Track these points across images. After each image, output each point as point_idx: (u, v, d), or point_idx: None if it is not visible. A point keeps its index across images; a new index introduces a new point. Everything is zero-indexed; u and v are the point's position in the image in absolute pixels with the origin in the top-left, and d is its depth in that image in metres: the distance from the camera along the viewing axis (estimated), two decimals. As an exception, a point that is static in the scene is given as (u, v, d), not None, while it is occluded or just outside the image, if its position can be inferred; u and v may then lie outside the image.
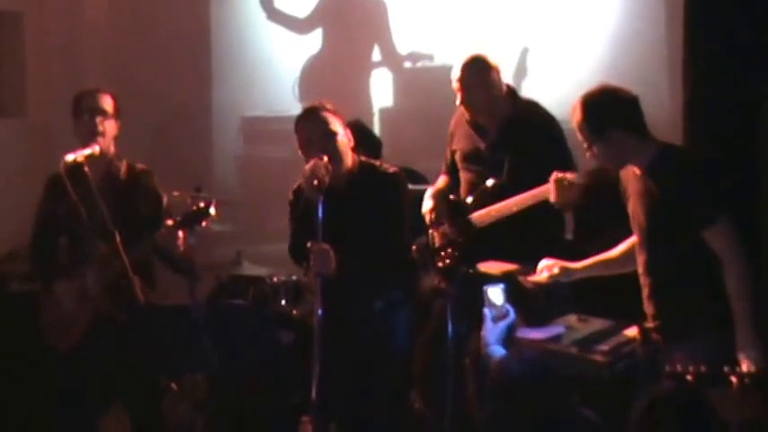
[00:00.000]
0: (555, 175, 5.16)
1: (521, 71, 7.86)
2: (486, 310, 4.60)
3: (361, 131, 6.04)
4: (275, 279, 6.29)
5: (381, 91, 8.55)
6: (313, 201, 5.00)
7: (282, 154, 7.69)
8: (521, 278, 4.97)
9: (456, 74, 5.63)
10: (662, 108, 6.78)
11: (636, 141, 4.59)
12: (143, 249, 5.38)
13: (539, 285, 5.00)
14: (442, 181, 5.87)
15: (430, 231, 5.70)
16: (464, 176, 5.75)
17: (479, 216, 5.53)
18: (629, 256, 4.82)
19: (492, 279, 4.79)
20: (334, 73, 8.35)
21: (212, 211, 5.27)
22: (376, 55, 8.54)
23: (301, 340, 5.74)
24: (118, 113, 5.61)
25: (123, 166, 5.63)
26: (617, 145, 4.59)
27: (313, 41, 8.58)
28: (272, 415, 5.94)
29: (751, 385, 3.91)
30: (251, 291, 6.29)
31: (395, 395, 5.37)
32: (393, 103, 8.54)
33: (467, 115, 5.68)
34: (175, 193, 5.70)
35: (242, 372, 5.72)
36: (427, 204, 5.74)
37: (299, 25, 8.61)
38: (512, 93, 5.74)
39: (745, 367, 4.19)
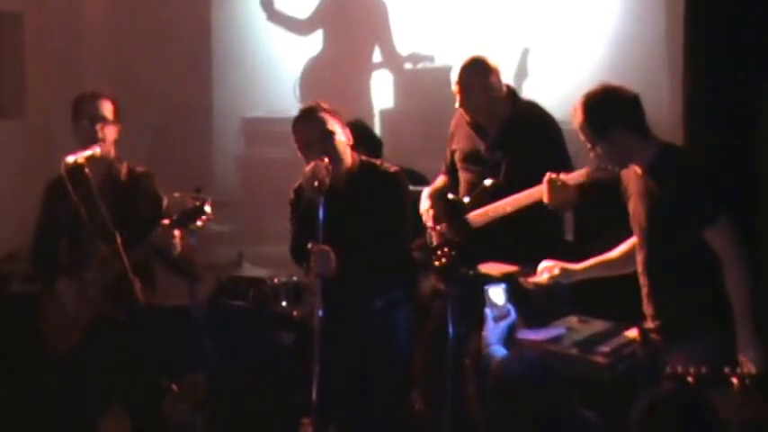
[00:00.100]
0: (548, 175, 5.15)
1: (521, 72, 7.86)
2: (488, 310, 4.60)
3: (361, 131, 6.04)
4: (276, 280, 6.29)
5: (382, 92, 8.54)
6: (314, 202, 5.00)
7: (283, 155, 7.68)
8: (521, 279, 4.96)
9: (455, 76, 5.63)
10: (662, 108, 6.78)
11: (637, 140, 4.59)
12: (142, 250, 5.38)
13: (539, 287, 4.99)
14: (440, 181, 5.86)
15: (428, 231, 5.69)
16: (463, 177, 5.75)
17: (476, 216, 5.53)
18: (629, 256, 4.82)
19: (492, 280, 4.79)
20: (335, 74, 8.35)
21: (208, 209, 5.27)
22: (376, 56, 8.54)
23: (302, 341, 5.75)
24: (118, 118, 5.61)
25: (123, 169, 5.63)
26: (619, 144, 4.59)
27: (313, 42, 8.58)
28: (272, 416, 5.94)
29: (751, 386, 3.91)
30: (251, 292, 6.29)
31: (395, 395, 5.37)
32: (393, 105, 8.54)
33: (466, 116, 5.68)
34: (176, 194, 5.69)
35: (242, 372, 5.72)
36: (425, 204, 5.73)
37: (299, 26, 8.60)
38: (512, 94, 5.73)
39: (745, 367, 4.19)
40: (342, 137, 5.26)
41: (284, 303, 6.22)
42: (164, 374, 5.73)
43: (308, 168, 5.13)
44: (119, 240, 5.29)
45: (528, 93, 6.67)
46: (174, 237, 5.31)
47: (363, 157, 5.39)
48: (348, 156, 5.29)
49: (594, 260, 5.02)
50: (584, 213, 5.76)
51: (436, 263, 5.03)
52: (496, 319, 4.57)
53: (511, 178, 5.48)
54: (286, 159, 7.17)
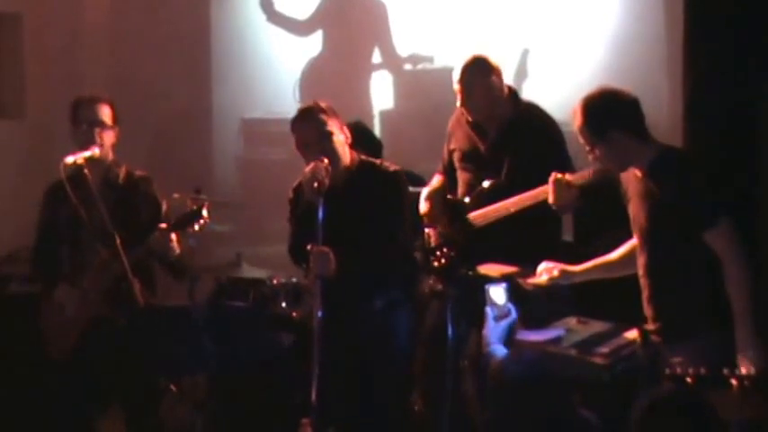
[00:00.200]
0: (554, 176, 5.15)
1: (521, 73, 7.87)
2: (488, 309, 4.60)
3: (361, 132, 6.05)
4: (275, 281, 6.28)
5: (381, 93, 8.55)
6: (313, 202, 5.00)
7: (282, 156, 7.69)
8: (520, 280, 4.96)
9: (457, 74, 5.62)
10: (662, 108, 6.79)
11: (637, 143, 4.59)
12: (140, 252, 5.37)
13: (538, 288, 4.99)
14: (437, 181, 5.85)
15: (426, 231, 5.68)
16: (462, 177, 5.74)
17: (477, 216, 5.52)
18: (629, 258, 4.82)
19: (491, 281, 4.78)
20: (335, 75, 8.35)
21: (205, 213, 5.28)
22: (376, 57, 8.54)
23: (301, 342, 5.74)
24: (116, 122, 5.62)
25: (122, 172, 5.63)
26: (618, 147, 4.59)
27: (313, 43, 8.58)
28: (271, 416, 5.93)
29: (751, 387, 3.90)
30: (251, 292, 6.28)
31: (395, 396, 5.37)
32: (393, 106, 8.54)
33: (467, 116, 5.67)
34: (175, 195, 5.70)
35: (241, 373, 5.71)
36: (424, 204, 5.72)
37: (299, 27, 8.60)
38: (512, 94, 5.73)
39: (744, 368, 4.19)
40: (340, 136, 5.26)
41: (284, 304, 6.21)
42: (163, 375, 5.73)
43: (307, 169, 5.13)
44: (118, 242, 5.29)
45: (528, 93, 6.67)
46: (171, 240, 5.32)
47: (363, 157, 5.39)
48: (347, 155, 5.29)
49: (594, 262, 5.02)
50: (584, 215, 5.75)
51: (435, 263, 5.03)
52: (497, 319, 4.56)
53: (513, 179, 5.48)
54: (285, 160, 7.19)
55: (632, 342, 4.61)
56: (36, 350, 5.66)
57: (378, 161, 5.45)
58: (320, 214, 4.96)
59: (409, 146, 7.80)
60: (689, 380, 3.87)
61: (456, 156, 5.78)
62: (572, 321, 4.83)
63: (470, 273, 5.00)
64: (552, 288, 5.00)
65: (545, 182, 5.24)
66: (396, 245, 5.24)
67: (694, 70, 5.11)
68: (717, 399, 3.64)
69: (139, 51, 8.23)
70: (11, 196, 7.36)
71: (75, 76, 8.00)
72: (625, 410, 3.60)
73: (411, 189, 5.57)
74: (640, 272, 4.69)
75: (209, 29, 8.49)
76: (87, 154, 5.45)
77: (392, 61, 8.51)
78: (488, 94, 5.60)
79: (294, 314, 6.15)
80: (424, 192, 5.78)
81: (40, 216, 5.72)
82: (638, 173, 4.62)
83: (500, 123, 5.62)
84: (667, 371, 3.97)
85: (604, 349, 4.53)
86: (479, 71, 5.59)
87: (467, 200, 5.59)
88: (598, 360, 4.48)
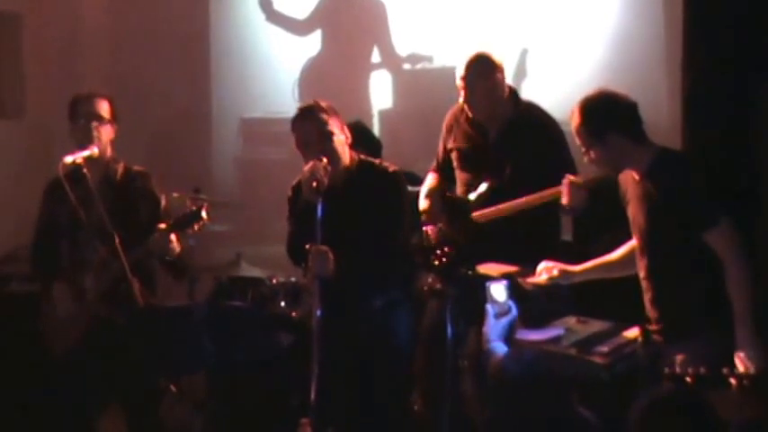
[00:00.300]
0: (568, 177, 5.14)
1: (520, 72, 7.87)
2: (489, 307, 4.60)
3: (361, 132, 6.04)
4: (274, 281, 6.29)
5: (380, 93, 8.55)
6: (312, 202, 4.99)
7: (282, 155, 7.70)
8: (520, 280, 4.96)
9: (460, 71, 5.61)
10: (661, 108, 6.80)
11: (634, 146, 4.60)
12: (139, 253, 5.37)
13: (538, 287, 4.99)
14: (433, 179, 5.83)
15: (425, 229, 5.67)
16: (461, 176, 5.74)
17: (479, 215, 5.51)
18: (629, 259, 4.82)
19: (491, 280, 4.78)
20: (334, 74, 8.36)
21: (204, 214, 5.28)
22: (375, 56, 8.55)
23: (300, 342, 5.74)
24: (114, 117, 5.60)
25: (120, 169, 5.62)
26: (615, 149, 4.59)
27: (312, 43, 8.58)
28: (270, 417, 5.93)
29: (750, 387, 3.91)
30: (250, 292, 6.28)
31: (395, 396, 5.36)
32: (392, 105, 8.54)
33: (469, 114, 5.65)
34: (175, 195, 5.70)
35: (241, 373, 5.72)
36: (423, 202, 5.71)
37: (298, 27, 8.61)
38: (513, 93, 5.72)
39: (742, 366, 4.19)
40: (341, 136, 5.26)
41: (283, 304, 6.21)
42: (163, 375, 5.73)
43: (306, 168, 5.12)
44: (117, 242, 5.29)
45: (527, 93, 6.66)
46: (170, 241, 5.31)
47: (362, 157, 5.39)
48: (347, 155, 5.28)
49: (594, 262, 5.02)
50: (583, 215, 5.76)
51: (435, 262, 5.02)
52: (497, 316, 4.56)
53: (514, 179, 5.48)
54: (285, 160, 7.19)
55: (632, 341, 4.61)
56: (35, 350, 5.66)
57: (377, 161, 5.45)
58: (319, 213, 4.96)
59: (408, 145, 7.81)
60: (688, 379, 3.88)
61: (455, 155, 5.77)
62: (571, 321, 4.83)
63: (470, 272, 5.00)
64: (552, 288, 5.00)
65: (546, 181, 5.25)
66: (394, 245, 5.24)
67: (693, 69, 5.11)
68: (716, 398, 3.64)
69: (139, 51, 8.24)
70: (10, 196, 7.36)
71: (74, 76, 8.01)
72: (624, 410, 3.60)
73: (410, 188, 5.57)
74: (642, 274, 4.69)
75: (208, 29, 8.49)
76: (86, 153, 5.44)
77: (391, 61, 8.51)
78: (492, 93, 5.59)
79: (293, 314, 6.15)
80: (424, 190, 5.77)
81: (40, 214, 5.71)
82: (636, 176, 4.63)
83: (501, 122, 5.62)
84: (666, 370, 3.98)
85: (604, 348, 4.54)
86: (484, 69, 5.57)
87: (473, 196, 5.57)
88: (597, 359, 4.49)
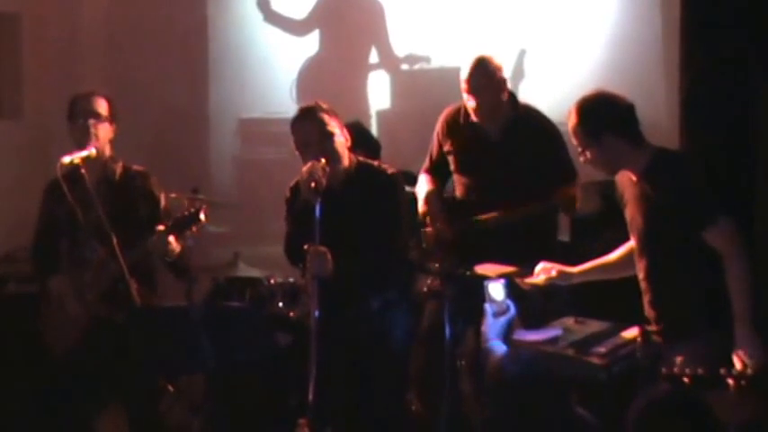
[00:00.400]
0: (582, 183, 5.16)
1: (518, 73, 7.87)
2: (487, 306, 4.60)
3: (360, 133, 6.04)
4: (272, 281, 6.29)
5: (378, 93, 8.56)
6: (310, 202, 5.00)
7: (280, 155, 7.70)
8: (518, 280, 4.97)
9: (464, 75, 5.60)
10: (659, 109, 6.80)
11: (630, 147, 4.60)
12: (138, 254, 5.37)
13: (536, 288, 4.99)
14: (429, 181, 5.82)
15: (422, 232, 5.67)
16: (461, 180, 5.74)
17: (483, 219, 5.52)
18: (627, 260, 4.82)
19: (489, 280, 4.79)
20: (332, 75, 8.36)
21: (202, 216, 5.28)
22: (373, 57, 8.55)
23: (298, 342, 5.74)
24: (113, 116, 5.60)
25: (119, 168, 5.61)
26: (611, 150, 4.60)
27: (310, 43, 8.59)
28: (269, 417, 5.94)
29: (748, 387, 3.91)
30: (248, 292, 6.28)
31: (392, 396, 5.37)
32: (390, 106, 8.55)
33: (473, 116, 5.64)
34: (173, 195, 5.70)
35: (239, 373, 5.71)
36: (422, 205, 5.71)
37: (296, 27, 8.61)
38: (511, 96, 5.73)
39: (740, 364, 4.19)
40: (341, 138, 5.26)
41: (281, 304, 6.22)
42: (161, 375, 5.73)
43: (304, 169, 5.12)
44: (115, 242, 5.29)
45: (525, 93, 6.67)
46: (169, 243, 5.31)
47: (361, 158, 5.39)
48: (346, 157, 5.29)
49: (592, 263, 5.02)
50: (581, 217, 5.77)
51: (433, 264, 5.02)
52: (496, 315, 4.57)
53: (514, 178, 5.49)
54: (283, 160, 7.20)
55: (630, 342, 4.61)
56: (34, 350, 5.66)
57: (375, 163, 5.45)
58: (317, 214, 4.96)
59: (406, 145, 7.80)
60: (686, 380, 3.88)
61: (453, 159, 5.76)
62: (569, 321, 4.83)
63: (468, 273, 5.01)
64: (550, 288, 5.00)
65: (546, 180, 5.27)
66: (392, 246, 5.24)
67: (691, 71, 5.12)
68: (715, 400, 3.64)
69: (137, 52, 8.24)
70: (7, 196, 7.35)
71: (72, 76, 8.00)
72: (622, 410, 3.60)
73: (408, 189, 5.57)
74: (641, 275, 4.69)
75: (206, 29, 8.49)
76: (84, 154, 5.43)
77: (389, 61, 8.52)
78: (497, 95, 5.60)
79: (291, 314, 6.15)
80: (421, 193, 5.76)
81: (40, 214, 5.71)
82: (633, 177, 4.63)
83: (502, 123, 5.63)
84: (664, 371, 3.98)
85: (602, 349, 4.53)
86: (488, 71, 5.58)
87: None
88: (595, 360, 4.48)
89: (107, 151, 5.60)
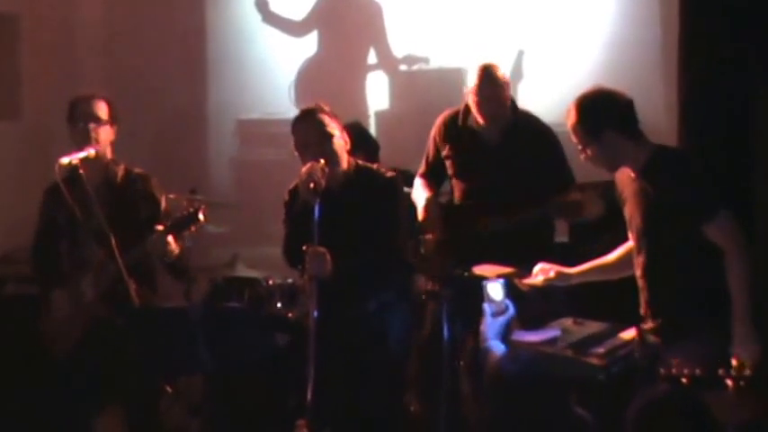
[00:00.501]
0: (582, 187, 5.17)
1: (516, 74, 7.87)
2: (486, 306, 4.61)
3: (359, 133, 6.05)
4: (271, 281, 6.28)
5: (377, 94, 8.56)
6: (309, 203, 5.00)
7: (278, 156, 7.70)
8: (516, 281, 4.97)
9: (473, 81, 5.61)
10: (657, 110, 6.81)
11: (630, 144, 4.60)
12: (137, 254, 5.37)
13: (534, 288, 5.00)
14: (426, 186, 5.82)
15: (422, 236, 5.67)
16: (459, 185, 5.74)
17: (484, 223, 5.53)
18: (625, 260, 4.82)
19: (487, 280, 4.79)
20: (330, 76, 8.36)
21: (201, 216, 5.28)
22: (372, 58, 8.55)
23: (297, 343, 5.74)
24: (113, 119, 5.60)
25: (120, 171, 5.62)
26: (611, 147, 4.59)
27: (309, 44, 8.59)
28: (267, 417, 5.93)
29: (746, 387, 3.91)
30: (246, 293, 6.28)
31: (390, 396, 5.37)
32: (389, 106, 8.55)
33: (480, 120, 5.64)
34: (171, 196, 5.71)
35: (237, 374, 5.71)
36: (421, 213, 5.71)
37: (294, 28, 8.61)
38: (511, 101, 5.74)
39: (739, 360, 4.19)
40: (341, 140, 5.27)
41: (279, 305, 6.21)
42: (160, 376, 5.73)
43: (303, 170, 5.13)
44: (114, 243, 5.29)
45: (523, 95, 6.69)
46: (168, 243, 5.31)
47: (360, 161, 5.40)
48: (345, 159, 5.29)
49: (591, 264, 5.02)
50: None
51: (432, 266, 5.03)
52: (495, 315, 4.58)
53: (514, 181, 5.49)
54: (281, 161, 7.20)
55: (628, 342, 4.61)
56: (33, 351, 5.66)
57: (374, 166, 5.46)
58: (316, 215, 4.96)
59: (404, 146, 7.80)
60: (684, 380, 3.88)
61: (451, 163, 5.77)
62: (568, 322, 4.83)
63: (466, 273, 5.01)
64: (548, 289, 5.00)
65: (545, 183, 5.27)
66: (391, 248, 5.24)
67: (689, 72, 5.13)
68: (713, 400, 3.65)
69: (135, 53, 8.24)
70: (6, 197, 7.36)
71: (71, 77, 8.01)
72: (621, 410, 3.61)
73: (406, 189, 5.57)
74: (638, 272, 4.69)
75: (204, 30, 8.50)
76: (83, 154, 5.43)
77: (388, 62, 8.52)
78: (502, 102, 5.61)
79: (289, 315, 6.15)
80: (420, 199, 5.76)
81: (40, 216, 5.72)
82: (633, 174, 4.63)
83: (502, 129, 5.64)
84: (662, 371, 3.98)
85: (600, 350, 4.53)
86: (496, 78, 5.59)
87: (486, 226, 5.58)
88: (594, 360, 4.48)
89: (108, 154, 5.61)
